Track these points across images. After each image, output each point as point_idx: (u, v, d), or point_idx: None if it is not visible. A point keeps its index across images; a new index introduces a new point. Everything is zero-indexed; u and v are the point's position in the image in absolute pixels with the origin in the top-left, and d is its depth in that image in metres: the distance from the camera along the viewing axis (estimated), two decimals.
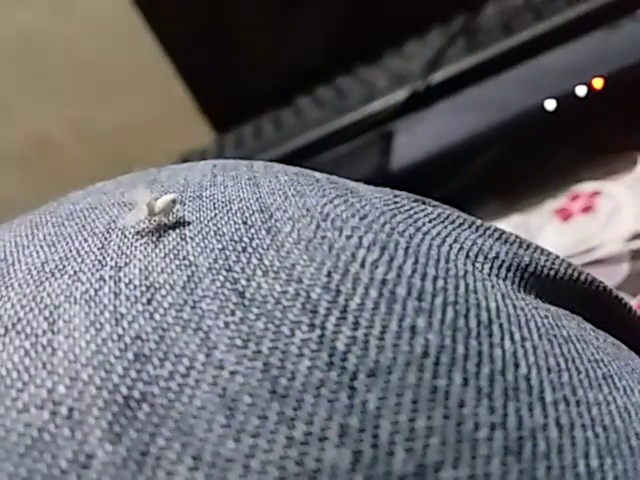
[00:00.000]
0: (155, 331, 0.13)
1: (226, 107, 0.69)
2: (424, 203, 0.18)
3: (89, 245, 0.15)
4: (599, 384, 0.14)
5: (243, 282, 0.14)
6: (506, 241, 0.18)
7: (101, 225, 0.16)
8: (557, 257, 0.18)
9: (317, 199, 0.16)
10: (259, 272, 0.14)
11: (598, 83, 0.40)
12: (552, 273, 0.18)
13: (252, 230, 0.15)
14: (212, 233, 0.15)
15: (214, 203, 0.16)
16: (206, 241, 0.15)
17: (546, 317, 0.15)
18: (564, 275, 0.18)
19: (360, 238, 0.15)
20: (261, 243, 0.15)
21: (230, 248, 0.14)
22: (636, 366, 0.16)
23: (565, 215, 0.42)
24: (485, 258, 0.16)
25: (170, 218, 0.16)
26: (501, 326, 0.14)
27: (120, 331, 0.13)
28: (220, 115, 0.69)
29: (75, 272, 0.15)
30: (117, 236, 0.16)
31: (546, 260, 0.18)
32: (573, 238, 0.40)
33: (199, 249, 0.15)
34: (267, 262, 0.14)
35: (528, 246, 0.18)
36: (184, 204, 0.16)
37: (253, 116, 0.65)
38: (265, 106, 0.65)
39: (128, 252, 0.15)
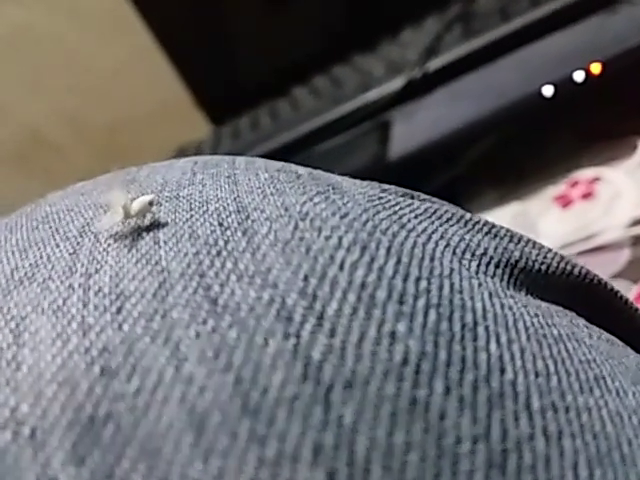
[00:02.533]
0: (123, 343, 0.12)
1: (222, 99, 0.68)
2: (412, 197, 0.18)
3: (60, 250, 0.15)
4: (590, 387, 0.14)
5: (216, 288, 0.13)
6: (496, 235, 0.17)
7: (75, 229, 0.16)
8: (549, 250, 0.18)
9: (297, 197, 0.16)
10: (233, 277, 0.13)
11: (596, 68, 0.40)
12: (544, 267, 0.17)
13: (228, 232, 0.14)
14: (187, 236, 0.15)
15: (191, 203, 0.16)
16: (180, 245, 0.14)
17: (536, 316, 0.15)
18: (557, 269, 0.18)
19: (340, 238, 0.14)
20: (236, 246, 0.14)
21: (204, 252, 0.14)
22: (630, 364, 0.16)
23: (565, 202, 0.42)
24: (473, 255, 0.16)
25: (146, 220, 0.15)
26: (487, 328, 0.13)
27: (87, 343, 0.13)
28: (216, 107, 0.69)
29: (44, 280, 0.14)
30: (90, 240, 0.15)
31: (538, 254, 0.17)
32: (573, 225, 0.40)
33: (172, 253, 0.14)
34: (242, 266, 0.14)
35: (519, 240, 0.17)
36: (160, 204, 0.16)
37: (250, 107, 0.64)
38: (261, 97, 0.64)
39: (99, 257, 0.14)
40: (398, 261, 0.14)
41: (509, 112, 0.44)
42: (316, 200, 0.16)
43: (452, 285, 0.14)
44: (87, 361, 0.12)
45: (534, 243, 0.18)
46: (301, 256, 0.14)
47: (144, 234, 0.15)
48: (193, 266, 0.14)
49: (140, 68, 0.73)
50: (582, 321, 0.17)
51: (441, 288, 0.14)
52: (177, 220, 0.15)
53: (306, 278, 0.13)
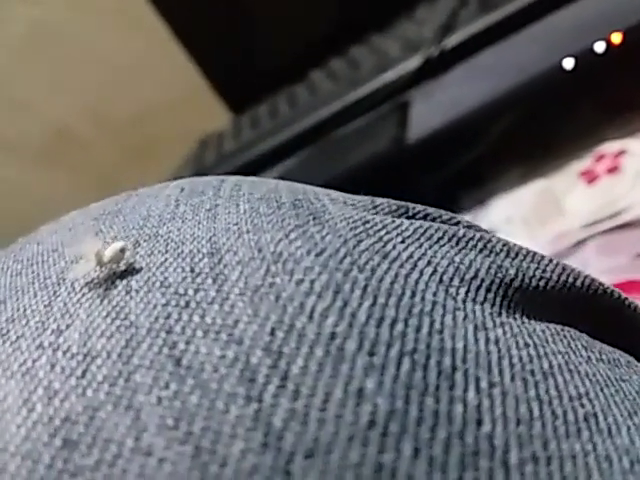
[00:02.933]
0: (86, 411, 0.12)
1: (240, 86, 0.68)
2: (406, 211, 0.18)
3: (37, 302, 0.15)
4: (578, 429, 0.13)
5: (181, 346, 0.13)
6: (491, 252, 0.16)
7: (54, 274, 0.16)
8: (550, 262, 0.17)
9: (273, 233, 0.16)
10: (199, 333, 0.13)
11: (617, 38, 0.39)
12: (542, 283, 0.17)
13: (198, 279, 0.14)
14: (158, 284, 0.15)
15: (167, 244, 0.16)
16: (150, 295, 0.14)
17: (526, 346, 0.14)
18: (557, 282, 0.17)
19: (312, 282, 0.14)
20: (205, 296, 0.14)
21: (173, 303, 0.14)
22: (631, 389, 0.15)
23: (590, 177, 0.41)
24: (462, 280, 0.15)
25: (120, 266, 0.15)
26: (466, 372, 0.13)
27: (51, 412, 0.13)
28: (235, 95, 0.68)
29: (17, 338, 0.14)
30: (66, 289, 0.15)
31: (536, 268, 0.17)
32: (599, 202, 0.39)
33: (142, 305, 0.14)
34: (209, 320, 0.13)
35: (517, 254, 0.17)
36: (139, 244, 0.16)
37: (269, 91, 0.64)
38: (280, 81, 0.64)
39: (72, 310, 0.15)
40: (373, 303, 0.14)
41: (530, 87, 0.43)
42: (292, 236, 0.15)
43: (432, 324, 0.14)
44: (50, 432, 0.12)
45: (533, 255, 0.17)
46: (270, 306, 0.13)
47: (117, 282, 0.15)
48: (161, 320, 0.14)
49: (160, 61, 0.73)
50: (582, 341, 0.16)
51: (419, 329, 0.13)
52: (151, 265, 0.15)
53: (273, 332, 0.13)
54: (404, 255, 0.15)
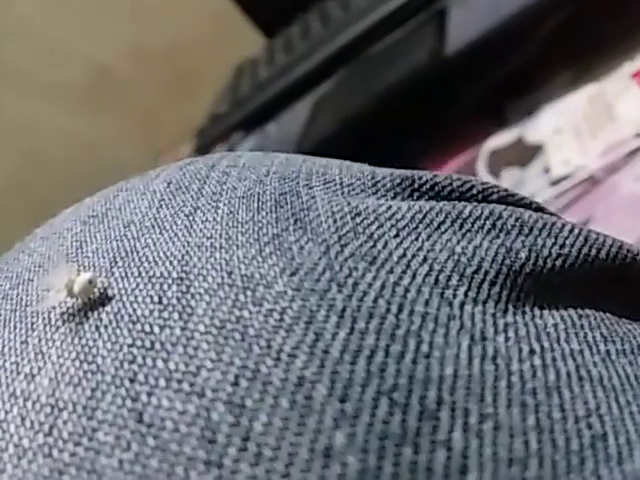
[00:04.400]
0: (52, 475, 0.12)
1: (271, 8, 0.65)
2: (411, 184, 0.16)
3: (15, 336, 0.15)
4: (582, 459, 0.11)
5: (144, 398, 0.12)
6: (501, 230, 0.15)
7: (35, 297, 0.16)
8: (570, 233, 0.15)
9: (246, 249, 0.14)
10: (162, 382, 0.12)
11: None
12: (559, 262, 0.15)
13: (165, 313, 0.14)
14: (126, 319, 0.14)
15: (142, 263, 0.15)
16: (118, 332, 0.14)
17: (531, 354, 0.13)
18: (577, 259, 0.15)
19: (282, 312, 0.13)
20: (170, 335, 0.13)
21: (139, 344, 0.13)
22: None
23: None
24: (461, 277, 0.14)
25: (93, 295, 0.15)
26: (453, 407, 0.11)
27: (20, 474, 0.12)
28: (267, 17, 0.66)
29: None
30: (42, 321, 0.15)
31: (553, 244, 0.15)
32: None
33: (109, 345, 0.13)
34: (172, 365, 0.13)
35: (531, 229, 0.15)
36: (116, 263, 0.15)
37: (300, 9, 0.61)
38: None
39: (45, 349, 0.14)
40: (351, 331, 0.12)
41: None
42: (267, 251, 0.14)
43: (418, 347, 0.12)
44: None
45: (551, 228, 0.15)
46: (235, 347, 0.12)
47: (89, 314, 0.14)
48: (125, 365, 0.13)
49: None
50: (601, 329, 0.14)
51: (402, 357, 0.12)
52: (122, 292, 0.14)
53: (236, 380, 0.12)
54: (396, 255, 0.14)
